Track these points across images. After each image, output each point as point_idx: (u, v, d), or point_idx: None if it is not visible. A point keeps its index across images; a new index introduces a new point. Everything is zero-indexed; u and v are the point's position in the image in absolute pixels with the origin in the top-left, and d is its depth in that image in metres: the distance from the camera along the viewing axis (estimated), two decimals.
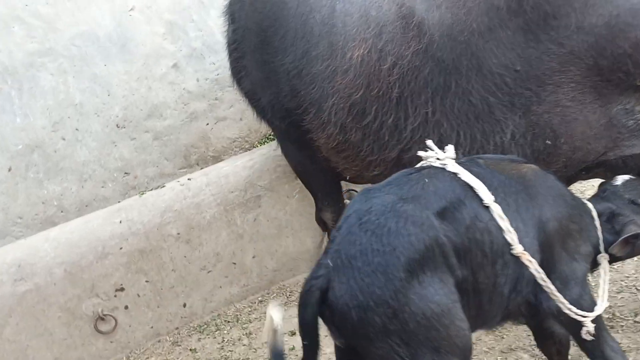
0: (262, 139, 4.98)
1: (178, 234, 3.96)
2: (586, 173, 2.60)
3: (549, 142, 2.47)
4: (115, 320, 3.85)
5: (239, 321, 4.01)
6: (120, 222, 3.89)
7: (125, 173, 4.96)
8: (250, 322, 3.98)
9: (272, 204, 4.15)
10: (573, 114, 2.42)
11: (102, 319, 3.83)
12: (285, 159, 4.09)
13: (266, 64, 3.23)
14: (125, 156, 4.94)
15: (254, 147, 4.89)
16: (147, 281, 3.94)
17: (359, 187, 3.92)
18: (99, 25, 4.84)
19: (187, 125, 5.11)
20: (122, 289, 3.88)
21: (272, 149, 4.24)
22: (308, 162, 3.55)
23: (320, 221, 3.83)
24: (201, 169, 5.06)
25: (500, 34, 2.38)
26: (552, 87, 2.40)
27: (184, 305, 4.06)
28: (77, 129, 4.81)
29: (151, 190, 4.12)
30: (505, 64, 2.39)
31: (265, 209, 4.14)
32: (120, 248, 3.84)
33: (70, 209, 4.75)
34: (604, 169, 2.54)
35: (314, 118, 2.95)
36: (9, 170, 4.66)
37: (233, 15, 3.50)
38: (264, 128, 5.24)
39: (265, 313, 3.89)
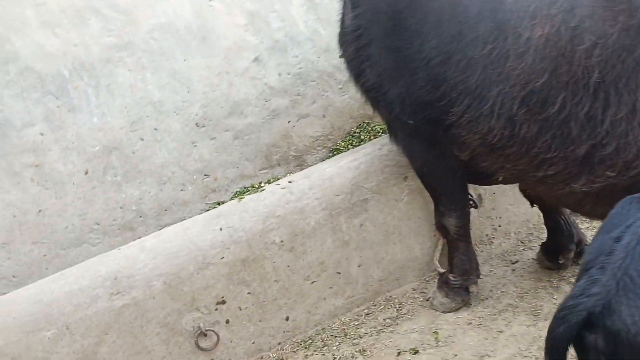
0: (345, 137, 4.65)
1: (281, 241, 3.64)
2: None
3: None
4: (217, 336, 3.55)
5: (347, 336, 3.70)
6: (221, 229, 3.57)
7: (205, 175, 4.66)
8: (361, 337, 3.66)
9: (379, 208, 3.82)
10: None
11: (204, 335, 3.52)
12: (392, 159, 3.77)
13: (399, 52, 2.89)
14: (205, 157, 4.63)
15: (336, 145, 4.56)
16: (249, 293, 3.63)
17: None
18: (178, 16, 4.52)
19: (268, 123, 4.79)
20: (223, 302, 3.57)
21: (377, 147, 3.91)
22: (437, 162, 3.22)
23: (442, 227, 3.49)
24: (284, 170, 4.76)
25: None
26: None
27: (287, 319, 3.74)
28: (155, 129, 4.50)
29: (248, 193, 3.79)
30: None
31: (372, 214, 3.81)
32: (222, 257, 3.53)
33: (149, 214, 4.46)
34: None
35: (468, 110, 2.60)
36: (86, 173, 4.36)
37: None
38: (348, 126, 4.90)
39: (374, 327, 3.59)
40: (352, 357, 3.53)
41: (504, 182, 3.05)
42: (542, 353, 2.84)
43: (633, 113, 2.29)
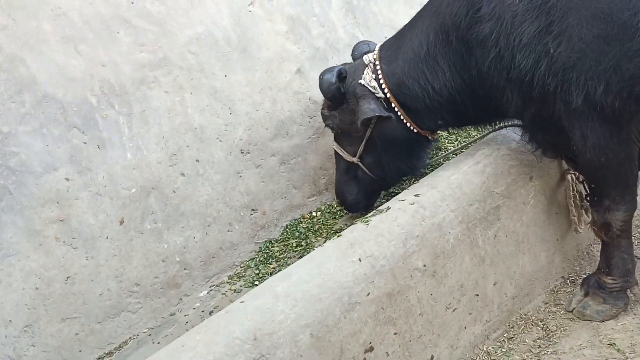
0: None
1: (424, 265, 3.08)
2: None
3: None
4: None
5: None
6: (360, 259, 2.94)
7: (252, 210, 4.00)
8: None
9: (510, 214, 3.39)
10: None
11: None
12: (516, 158, 3.38)
13: (611, 17, 2.52)
14: (252, 188, 3.98)
15: None
16: (395, 333, 3.01)
17: None
18: (216, 24, 3.87)
19: (314, 143, 4.25)
20: (371, 349, 2.93)
21: (495, 147, 3.49)
22: (619, 149, 2.86)
23: (604, 224, 3.11)
24: (331, 195, 4.20)
25: None
26: None
27: (431, 359, 3.15)
28: (197, 160, 3.80)
29: (373, 215, 3.19)
30: None
31: (504, 222, 3.37)
32: (368, 294, 2.90)
33: (194, 265, 3.74)
34: None
35: None
36: (121, 223, 3.54)
37: None
38: None
39: (529, 351, 3.12)
40: None
41: None
42: None
43: None
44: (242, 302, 2.79)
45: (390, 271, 2.97)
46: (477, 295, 3.29)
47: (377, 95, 3.47)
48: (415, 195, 3.22)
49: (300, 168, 4.27)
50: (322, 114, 3.80)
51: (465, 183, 3.28)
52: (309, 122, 4.28)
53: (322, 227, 4.07)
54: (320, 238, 4.04)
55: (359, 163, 3.72)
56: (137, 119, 3.65)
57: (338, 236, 3.10)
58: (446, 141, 4.35)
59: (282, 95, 4.14)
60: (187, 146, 3.81)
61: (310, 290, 2.80)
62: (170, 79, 3.74)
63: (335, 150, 3.88)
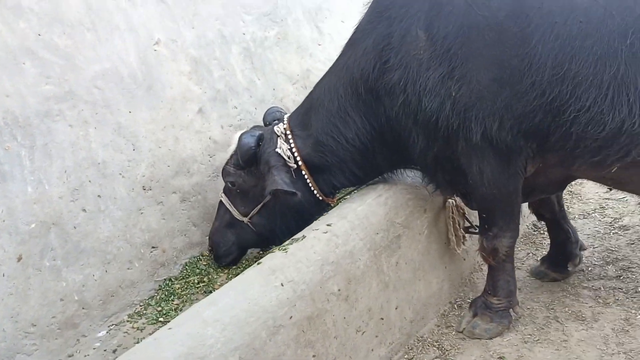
0: None
1: (339, 290, 3.28)
2: None
3: None
4: None
5: None
6: (282, 284, 3.08)
7: (153, 247, 4.02)
8: None
9: (409, 243, 3.71)
10: None
11: None
12: (412, 192, 3.74)
13: (503, 63, 2.97)
14: (153, 225, 4.02)
15: None
16: (314, 356, 3.16)
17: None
18: (123, 61, 3.92)
19: (213, 182, 4.39)
20: None
21: (394, 182, 3.83)
22: (510, 181, 3.29)
23: (492, 250, 3.53)
24: None
25: None
26: None
27: None
28: (99, 196, 3.79)
29: (289, 243, 3.35)
30: None
31: (404, 251, 3.68)
32: (290, 317, 3.03)
33: (93, 304, 3.70)
34: None
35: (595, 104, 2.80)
36: (19, 260, 3.44)
37: (430, 26, 3.15)
38: None
39: None
40: None
41: (612, 175, 3.20)
42: (626, 347, 3.06)
43: None
44: (169, 328, 2.79)
45: (310, 295, 3.12)
46: (382, 319, 3.52)
47: (289, 164, 3.64)
48: (328, 225, 3.42)
49: (200, 206, 4.32)
50: (225, 169, 3.86)
51: (371, 214, 3.54)
52: (209, 160, 4.36)
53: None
54: (221, 274, 4.09)
55: (248, 223, 3.84)
56: (39, 152, 3.54)
57: (258, 264, 3.20)
58: None
59: (184, 134, 4.21)
60: (90, 181, 3.74)
61: (238, 315, 2.87)
62: (75, 112, 3.68)
63: (221, 201, 3.95)
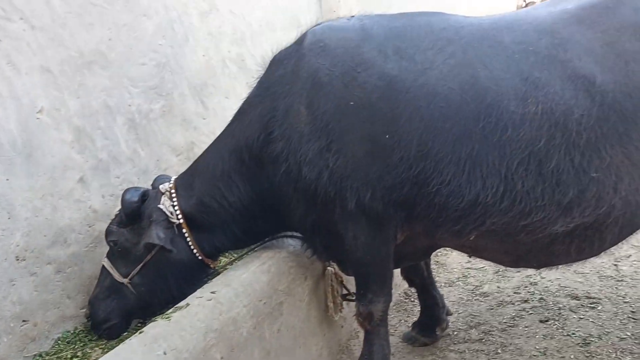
0: None
1: (222, 358, 3.33)
2: None
3: None
4: None
5: None
6: (165, 353, 3.09)
7: (24, 321, 3.90)
8: None
9: (290, 310, 3.84)
10: None
11: None
12: (294, 260, 3.92)
13: (375, 138, 3.28)
14: (24, 298, 3.91)
15: None
16: None
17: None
18: (3, 129, 3.88)
19: (91, 252, 4.34)
20: None
21: (276, 250, 3.98)
22: (382, 248, 3.55)
23: (368, 315, 3.74)
24: None
25: None
26: None
27: None
28: None
29: (172, 312, 3.37)
30: None
31: (286, 318, 3.80)
32: None
33: None
34: None
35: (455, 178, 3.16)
36: None
37: (311, 103, 3.43)
38: None
39: None
40: None
41: (470, 242, 3.53)
42: None
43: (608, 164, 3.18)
44: None
45: None
46: None
47: (171, 220, 3.72)
48: (212, 292, 3.48)
49: (75, 277, 4.20)
50: (108, 229, 3.85)
51: (255, 281, 3.65)
52: (88, 230, 4.29)
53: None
54: (97, 349, 3.97)
55: (129, 285, 3.83)
56: None
57: (140, 332, 3.18)
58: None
59: (63, 203, 4.13)
60: None
61: None
62: None
63: (103, 266, 3.94)
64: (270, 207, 3.68)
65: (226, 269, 3.86)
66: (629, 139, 3.12)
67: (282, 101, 3.52)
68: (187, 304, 3.38)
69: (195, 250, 3.73)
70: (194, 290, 3.67)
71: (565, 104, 3.12)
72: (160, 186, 3.81)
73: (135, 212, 3.69)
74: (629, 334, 4.14)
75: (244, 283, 3.60)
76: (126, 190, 3.75)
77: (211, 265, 3.84)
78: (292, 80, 3.54)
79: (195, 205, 3.72)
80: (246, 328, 3.47)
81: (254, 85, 3.79)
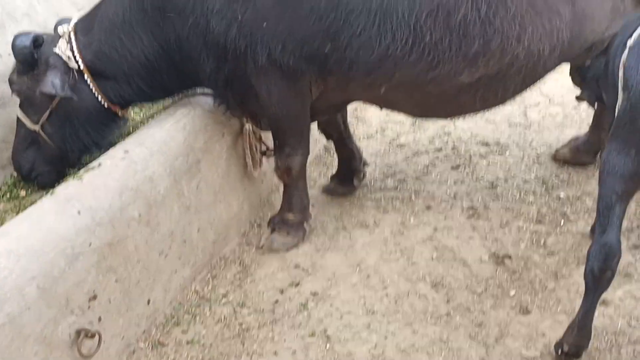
0: None
1: (139, 215, 3.35)
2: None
3: (582, 27, 3.34)
4: (99, 336, 3.07)
5: (208, 300, 3.63)
6: (79, 212, 3.07)
7: None
8: (225, 296, 3.66)
9: (208, 167, 3.85)
10: (597, 2, 3.32)
11: (82, 340, 3.01)
12: (210, 117, 3.88)
13: None
14: None
15: None
16: (116, 280, 3.23)
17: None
18: None
19: None
20: (95, 297, 3.09)
21: (192, 107, 3.90)
22: (295, 102, 3.55)
23: (286, 169, 3.79)
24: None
25: None
26: None
27: (148, 302, 3.46)
28: None
29: (84, 171, 3.31)
30: None
31: (204, 174, 3.81)
32: (90, 244, 3.05)
33: None
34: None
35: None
36: None
37: None
38: None
39: (232, 283, 3.67)
40: (234, 312, 3.51)
41: (381, 95, 3.54)
42: (402, 245, 3.58)
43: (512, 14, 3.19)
44: None
45: (109, 222, 3.13)
46: (185, 241, 3.65)
47: (70, 65, 3.54)
48: (125, 152, 3.42)
49: None
50: (10, 79, 3.68)
51: (170, 139, 3.60)
52: None
53: (11, 200, 3.92)
54: (12, 213, 3.89)
55: (41, 132, 3.69)
56: None
57: (51, 193, 3.13)
58: (132, 112, 4.55)
59: None
60: None
61: (33, 245, 2.81)
62: None
63: (17, 117, 3.79)
64: (179, 62, 3.55)
65: (139, 128, 3.77)
66: None
67: None
68: (99, 164, 3.32)
69: (99, 97, 3.58)
70: (107, 139, 3.67)
71: None
72: (59, 28, 3.57)
73: (29, 57, 3.49)
74: (532, 176, 4.40)
75: (158, 141, 3.55)
76: (16, 36, 3.51)
77: (119, 114, 3.72)
78: None
79: (94, 53, 3.54)
80: (163, 186, 3.47)
81: None
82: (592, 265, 2.81)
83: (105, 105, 3.66)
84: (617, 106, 2.81)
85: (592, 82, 3.44)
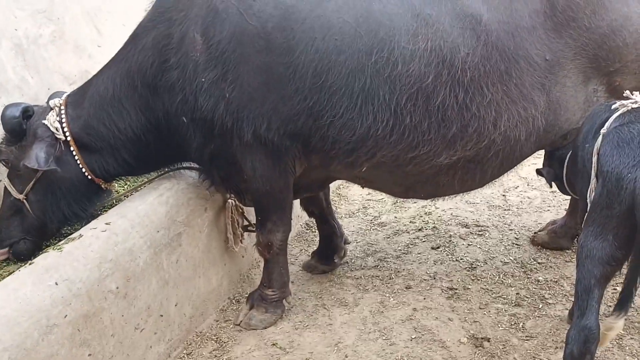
0: None
1: (117, 288, 3.33)
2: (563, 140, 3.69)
3: (557, 115, 3.47)
4: None
5: None
6: (57, 283, 3.05)
7: None
8: None
9: (189, 241, 3.86)
10: (572, 93, 3.48)
11: None
12: (193, 192, 3.92)
13: (271, 69, 3.27)
14: None
15: None
16: (89, 355, 3.17)
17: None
18: None
19: None
20: None
21: (175, 181, 3.95)
22: (280, 178, 3.60)
23: (267, 244, 3.81)
24: None
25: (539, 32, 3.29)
26: (565, 72, 3.41)
27: None
28: None
29: (65, 243, 3.31)
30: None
31: (185, 248, 3.82)
32: (65, 316, 3.02)
33: None
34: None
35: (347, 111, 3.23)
36: None
37: (206, 30, 3.35)
38: None
39: None
40: None
41: (362, 174, 3.61)
42: (380, 326, 3.57)
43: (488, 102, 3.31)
44: None
45: (86, 294, 3.11)
46: (162, 315, 3.61)
47: (57, 136, 3.60)
48: (107, 223, 3.43)
49: None
50: None
51: (152, 212, 3.62)
52: None
53: None
54: None
55: (24, 201, 3.70)
56: None
57: (30, 263, 3.12)
58: (117, 185, 4.59)
59: None
60: None
61: (7, 315, 2.78)
62: None
63: (5, 186, 3.81)
64: (167, 137, 3.62)
65: (122, 200, 3.79)
66: (509, 77, 3.27)
67: (177, 28, 3.42)
68: (80, 235, 3.32)
69: (84, 170, 3.62)
70: (88, 212, 3.66)
71: (452, 42, 3.22)
72: (50, 101, 3.65)
73: (17, 128, 3.55)
74: (512, 258, 4.44)
75: (140, 214, 3.57)
76: (7, 106, 3.58)
77: (103, 186, 3.75)
78: (188, 5, 3.44)
79: (83, 126, 3.61)
80: (143, 259, 3.46)
81: (149, 9, 3.66)
82: (572, 349, 2.82)
83: (89, 177, 3.68)
84: (588, 192, 2.89)
85: (556, 163, 3.56)
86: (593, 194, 2.85)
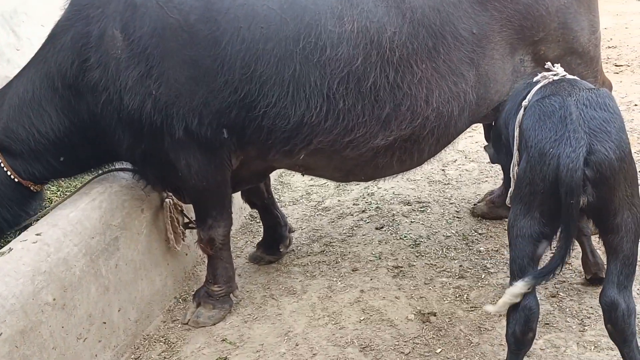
0: None
1: (54, 299, 3.23)
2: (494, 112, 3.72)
3: (487, 88, 3.50)
4: None
5: None
6: None
7: None
8: None
9: (128, 244, 3.77)
10: (500, 65, 3.51)
11: None
12: (128, 194, 3.84)
13: (197, 62, 3.19)
14: None
15: None
16: None
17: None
18: None
19: None
20: None
21: (108, 185, 3.84)
22: (217, 173, 3.55)
23: (209, 240, 3.76)
24: None
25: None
26: (492, 45, 3.43)
27: None
28: None
29: None
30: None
31: (123, 252, 3.73)
32: (0, 334, 2.92)
33: None
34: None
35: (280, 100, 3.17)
36: None
37: (126, 26, 3.24)
38: None
39: None
40: None
41: (301, 162, 3.57)
42: (329, 311, 3.58)
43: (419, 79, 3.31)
44: None
45: (21, 309, 3.00)
46: (105, 322, 3.52)
47: None
48: (37, 234, 3.31)
49: None
50: None
51: (85, 218, 3.51)
52: None
53: None
54: None
55: None
56: None
57: None
58: (48, 192, 4.44)
59: None
60: None
61: None
62: None
63: None
64: (95, 138, 3.51)
65: (53, 209, 3.66)
66: (437, 53, 3.28)
67: (95, 25, 3.31)
68: (10, 249, 3.20)
69: (9, 172, 3.51)
70: (21, 217, 3.59)
71: (378, 22, 3.20)
72: None
73: None
74: (453, 231, 4.51)
75: (72, 222, 3.46)
76: None
77: (32, 188, 3.62)
78: (105, 2, 3.33)
79: (2, 129, 3.50)
80: (79, 267, 3.37)
81: (66, 6, 3.53)
82: (514, 329, 2.81)
83: (16, 180, 3.55)
84: (511, 167, 2.90)
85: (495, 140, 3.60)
86: (516, 168, 2.87)
